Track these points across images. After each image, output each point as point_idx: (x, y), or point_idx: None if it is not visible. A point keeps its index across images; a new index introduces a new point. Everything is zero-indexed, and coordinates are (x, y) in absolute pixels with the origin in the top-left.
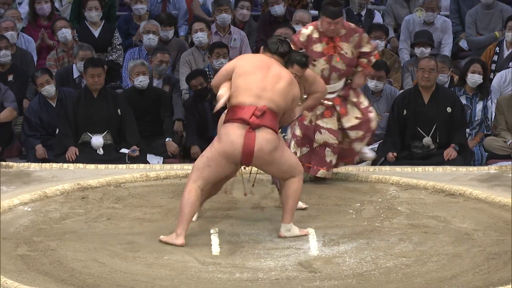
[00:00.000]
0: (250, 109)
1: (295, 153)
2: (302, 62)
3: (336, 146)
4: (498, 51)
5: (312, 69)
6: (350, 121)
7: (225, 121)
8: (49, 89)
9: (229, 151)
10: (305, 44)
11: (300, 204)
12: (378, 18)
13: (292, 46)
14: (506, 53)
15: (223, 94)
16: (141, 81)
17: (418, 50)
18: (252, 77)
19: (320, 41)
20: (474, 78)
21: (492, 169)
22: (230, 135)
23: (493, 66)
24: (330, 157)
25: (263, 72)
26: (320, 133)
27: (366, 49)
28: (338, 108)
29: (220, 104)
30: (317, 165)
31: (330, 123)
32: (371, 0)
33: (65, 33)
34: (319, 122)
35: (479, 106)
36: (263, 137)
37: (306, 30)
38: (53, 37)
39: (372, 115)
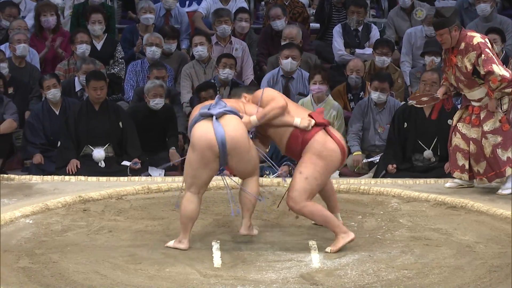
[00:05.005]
0: (320, 113)
1: None
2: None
3: (467, 152)
4: None
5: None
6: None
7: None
8: (55, 93)
9: (336, 160)
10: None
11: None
12: (375, 33)
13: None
14: None
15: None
16: (157, 103)
17: (428, 59)
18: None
19: (446, 52)
20: None
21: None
22: (331, 147)
23: None
24: (461, 161)
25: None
26: (455, 135)
27: (481, 71)
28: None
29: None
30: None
31: (466, 129)
32: (372, 13)
33: (85, 48)
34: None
35: None
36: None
37: None
38: (67, 47)
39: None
